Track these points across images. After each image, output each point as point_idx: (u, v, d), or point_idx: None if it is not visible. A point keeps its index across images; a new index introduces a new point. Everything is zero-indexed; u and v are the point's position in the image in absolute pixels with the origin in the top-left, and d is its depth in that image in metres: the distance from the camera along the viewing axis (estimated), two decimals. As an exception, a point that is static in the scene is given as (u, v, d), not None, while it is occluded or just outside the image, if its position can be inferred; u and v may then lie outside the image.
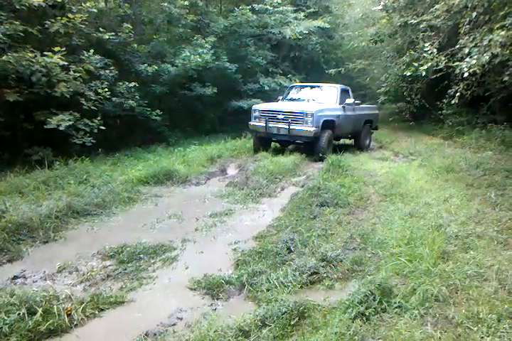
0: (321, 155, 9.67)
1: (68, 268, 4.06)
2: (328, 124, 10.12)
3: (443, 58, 8.18)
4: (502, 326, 2.83)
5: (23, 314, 3.01)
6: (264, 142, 10.90)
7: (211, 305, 3.40)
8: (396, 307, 3.11)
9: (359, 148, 11.99)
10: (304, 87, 12.27)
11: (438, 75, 10.56)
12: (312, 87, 12.09)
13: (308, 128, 9.63)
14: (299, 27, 15.92)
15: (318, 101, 10.98)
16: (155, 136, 12.35)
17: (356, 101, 11.52)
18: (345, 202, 6.03)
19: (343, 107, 10.92)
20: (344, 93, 11.40)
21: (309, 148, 10.21)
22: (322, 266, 3.90)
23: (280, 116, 10.03)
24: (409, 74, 8.72)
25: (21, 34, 7.89)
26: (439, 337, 2.74)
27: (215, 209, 5.95)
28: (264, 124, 10.18)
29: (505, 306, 3.06)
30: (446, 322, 2.94)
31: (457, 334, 2.79)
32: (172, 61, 12.60)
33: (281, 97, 11.94)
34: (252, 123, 10.69)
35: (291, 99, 11.64)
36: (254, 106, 11.02)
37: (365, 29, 16.39)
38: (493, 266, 3.71)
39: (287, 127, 9.79)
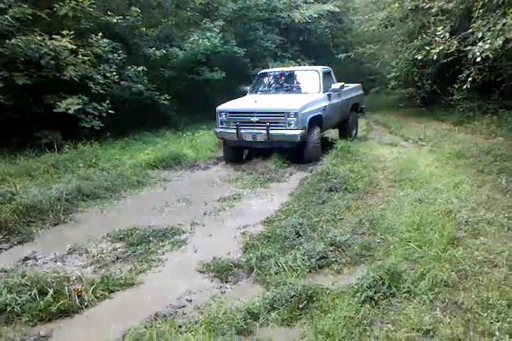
0: (310, 159, 7.87)
1: (78, 250, 4.11)
2: (314, 121, 7.88)
3: (455, 42, 8.05)
4: (512, 312, 2.82)
5: (35, 294, 3.05)
6: (237, 151, 8.34)
7: (220, 287, 3.41)
8: (405, 292, 3.10)
9: (346, 138, 9.30)
10: (276, 73, 9.71)
11: (449, 60, 10.43)
12: (287, 73, 9.48)
13: (293, 132, 7.40)
14: (308, 11, 15.74)
15: (298, 91, 8.79)
16: (163, 120, 12.32)
17: (345, 85, 9.33)
18: (354, 187, 5.98)
19: (329, 95, 8.62)
20: (327, 76, 9.10)
21: (298, 150, 7.91)
22: (331, 251, 3.89)
23: (254, 119, 7.56)
24: (420, 57, 8.56)
25: (30, 17, 7.89)
26: (448, 322, 2.73)
27: (223, 194, 5.96)
28: (235, 131, 7.64)
29: (515, 292, 3.04)
30: (456, 307, 2.93)
31: (466, 319, 2.78)
32: (180, 45, 12.53)
33: (248, 88, 9.56)
34: (218, 130, 8.04)
35: (262, 91, 9.17)
36: (219, 108, 8.14)
37: (376, 13, 16.02)
38: (503, 252, 3.67)
39: (265, 132, 7.44)
